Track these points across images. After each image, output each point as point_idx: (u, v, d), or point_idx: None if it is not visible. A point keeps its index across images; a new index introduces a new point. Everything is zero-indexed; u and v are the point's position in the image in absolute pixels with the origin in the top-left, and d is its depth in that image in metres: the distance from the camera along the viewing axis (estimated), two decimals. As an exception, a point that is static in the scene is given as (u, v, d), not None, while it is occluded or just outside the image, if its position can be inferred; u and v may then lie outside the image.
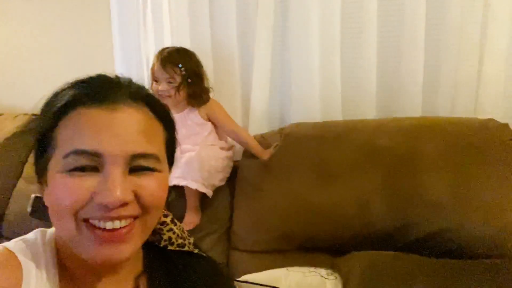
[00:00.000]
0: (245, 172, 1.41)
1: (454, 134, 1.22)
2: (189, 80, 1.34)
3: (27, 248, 0.53)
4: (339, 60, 1.45)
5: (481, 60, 1.34)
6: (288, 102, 1.56)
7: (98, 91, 0.51)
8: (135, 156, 0.50)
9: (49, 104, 0.53)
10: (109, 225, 0.49)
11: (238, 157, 1.48)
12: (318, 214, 1.25)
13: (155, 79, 1.35)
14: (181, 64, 1.32)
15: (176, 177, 1.34)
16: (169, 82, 1.33)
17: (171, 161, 0.59)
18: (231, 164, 1.46)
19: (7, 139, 1.65)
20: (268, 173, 1.35)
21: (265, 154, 1.36)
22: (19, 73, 1.93)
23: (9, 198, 1.59)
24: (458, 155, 1.18)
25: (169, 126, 0.58)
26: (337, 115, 1.48)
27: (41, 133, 0.52)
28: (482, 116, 1.29)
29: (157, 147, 0.53)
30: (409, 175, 1.19)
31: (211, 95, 1.41)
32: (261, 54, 1.51)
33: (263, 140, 1.43)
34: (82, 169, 0.48)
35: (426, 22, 1.36)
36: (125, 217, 0.49)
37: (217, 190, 1.42)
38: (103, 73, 0.56)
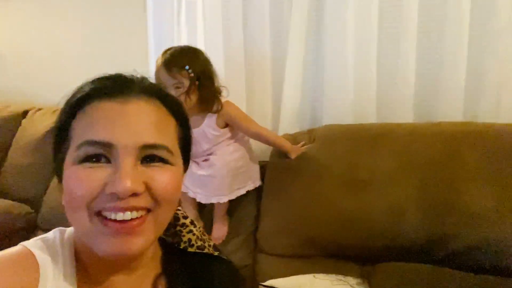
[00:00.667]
0: (273, 173, 1.38)
1: (497, 141, 1.14)
2: (197, 83, 1.21)
3: (45, 247, 0.53)
4: (375, 60, 1.40)
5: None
6: (320, 103, 1.51)
7: (112, 85, 0.53)
8: (146, 146, 0.50)
9: (69, 99, 0.54)
10: (120, 216, 0.48)
11: (265, 157, 1.46)
12: (348, 221, 1.21)
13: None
14: (188, 66, 1.19)
15: (204, 195, 1.34)
16: (177, 88, 1.19)
17: (186, 159, 0.59)
18: (253, 155, 1.42)
19: (46, 132, 1.70)
20: (297, 175, 1.32)
21: (293, 152, 1.32)
22: (58, 69, 1.98)
23: (46, 190, 1.64)
24: (501, 164, 1.11)
25: (183, 123, 0.58)
26: (371, 118, 1.42)
27: (59, 127, 0.54)
28: (529, 123, 1.20)
29: (169, 140, 0.53)
30: (448, 184, 1.13)
31: (224, 93, 1.31)
32: (294, 53, 1.47)
33: (292, 139, 1.39)
34: (93, 160, 0.49)
35: (471, 21, 1.28)
36: (136, 208, 0.49)
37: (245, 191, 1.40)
38: (120, 72, 0.57)
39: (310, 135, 1.39)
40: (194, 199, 1.40)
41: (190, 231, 0.65)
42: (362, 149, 1.27)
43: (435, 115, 1.36)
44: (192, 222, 0.67)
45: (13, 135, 1.80)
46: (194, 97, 1.22)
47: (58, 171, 0.54)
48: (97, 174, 0.48)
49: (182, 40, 1.58)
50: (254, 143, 1.58)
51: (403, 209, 1.14)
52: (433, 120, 1.34)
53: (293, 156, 1.31)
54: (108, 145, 0.49)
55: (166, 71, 1.18)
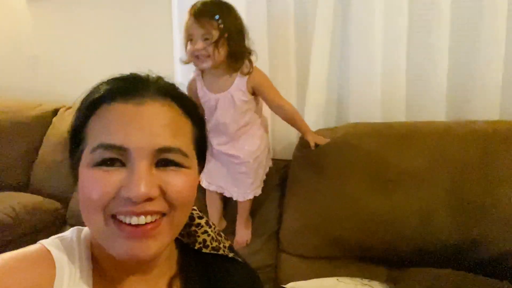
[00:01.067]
0: (297, 171, 1.35)
1: (538, 141, 1.07)
2: (226, 35, 1.15)
3: (62, 245, 0.54)
4: (405, 54, 1.33)
5: None
6: (346, 100, 1.46)
7: (127, 87, 0.53)
8: (161, 150, 0.50)
9: (84, 100, 0.54)
10: (134, 220, 0.49)
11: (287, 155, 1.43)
12: (374, 222, 1.16)
13: (189, 38, 1.18)
14: (218, 16, 1.14)
15: (241, 193, 1.33)
16: (206, 39, 1.14)
17: (202, 159, 0.59)
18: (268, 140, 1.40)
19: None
20: (322, 174, 1.28)
21: (310, 135, 1.28)
22: (87, 69, 2.03)
23: (74, 187, 1.68)
24: (542, 165, 1.03)
25: (198, 123, 0.57)
26: (400, 116, 1.36)
27: (74, 129, 0.54)
28: None
29: (184, 142, 0.53)
30: (481, 186, 1.06)
31: (253, 58, 1.25)
32: (319, 48, 1.43)
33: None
34: (109, 163, 0.49)
35: (508, 14, 1.20)
36: (151, 213, 0.49)
37: (267, 190, 1.38)
38: (135, 71, 0.57)
39: (334, 132, 1.35)
40: (220, 198, 1.39)
41: (205, 231, 0.65)
42: (390, 147, 1.22)
43: (470, 113, 1.29)
44: (207, 223, 0.66)
45: (44, 133, 1.85)
46: (223, 51, 1.16)
47: (74, 171, 0.54)
48: (112, 178, 0.48)
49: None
50: (275, 139, 1.57)
51: (433, 211, 1.09)
52: (467, 119, 1.27)
53: (309, 139, 1.27)
54: (123, 149, 0.49)
55: (196, 20, 1.14)
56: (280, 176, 1.43)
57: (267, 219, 1.39)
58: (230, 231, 1.39)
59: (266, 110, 1.38)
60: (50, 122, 1.87)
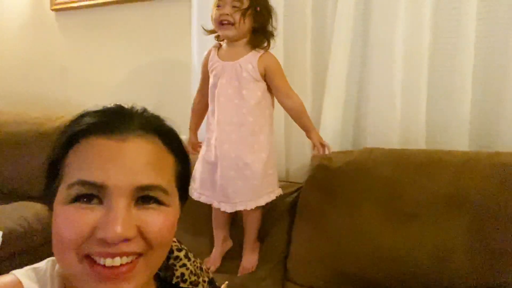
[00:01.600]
0: (307, 198, 1.30)
1: None
2: (258, 9, 1.16)
3: (36, 277, 0.53)
4: (426, 78, 1.27)
5: None
6: (363, 123, 1.41)
7: (109, 121, 0.50)
8: (141, 188, 0.48)
9: (64, 131, 0.52)
10: (108, 262, 0.46)
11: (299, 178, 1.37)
12: (386, 257, 1.10)
13: (218, 4, 1.18)
14: None
15: (229, 204, 1.23)
16: (234, 7, 1.15)
17: (184, 196, 0.56)
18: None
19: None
20: (333, 202, 1.23)
21: (316, 134, 1.24)
22: (112, 82, 2.07)
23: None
24: None
25: (182, 159, 0.55)
26: (420, 143, 1.29)
27: (52, 161, 0.52)
28: None
29: (166, 180, 0.51)
30: (505, 225, 0.98)
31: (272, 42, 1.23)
32: (335, 69, 1.38)
33: (326, 159, 1.29)
34: (85, 200, 0.47)
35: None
36: (127, 254, 0.47)
37: (276, 215, 1.33)
38: (119, 103, 0.54)
39: (349, 156, 1.29)
40: (226, 217, 1.34)
41: (184, 265, 0.63)
42: (406, 177, 1.15)
43: (494, 143, 1.20)
44: (186, 255, 0.65)
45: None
46: (248, 23, 1.17)
47: (49, 206, 0.52)
48: (88, 217, 0.46)
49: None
50: (289, 160, 1.53)
51: (450, 251, 1.01)
52: (492, 150, 1.18)
53: (314, 138, 1.23)
54: (101, 186, 0.47)
55: None
56: (292, 201, 1.37)
57: (275, 246, 1.33)
58: (237, 255, 1.35)
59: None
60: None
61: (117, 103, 0.54)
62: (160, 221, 0.49)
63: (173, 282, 0.61)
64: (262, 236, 1.35)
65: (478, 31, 1.19)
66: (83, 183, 0.47)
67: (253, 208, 1.25)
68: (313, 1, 1.43)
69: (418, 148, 1.29)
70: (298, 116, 1.25)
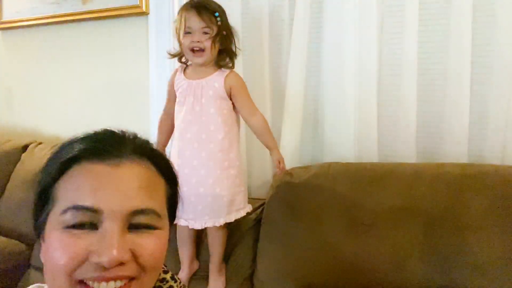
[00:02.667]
0: (271, 214, 1.33)
1: (504, 185, 1.09)
2: (224, 33, 1.21)
3: None
4: (376, 98, 1.37)
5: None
6: (320, 140, 1.48)
7: (102, 146, 0.51)
8: (135, 212, 0.49)
9: (54, 157, 0.53)
10: (103, 286, 0.47)
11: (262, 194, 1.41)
12: (349, 267, 1.15)
13: (187, 31, 1.20)
14: (218, 13, 1.19)
15: (198, 220, 1.22)
16: (205, 33, 1.19)
17: (172, 216, 0.58)
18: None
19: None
20: (296, 216, 1.27)
21: (277, 153, 1.29)
22: (57, 103, 2.00)
23: (37, 246, 1.61)
24: (508, 210, 1.05)
25: (171, 181, 0.57)
26: (372, 156, 1.38)
27: (43, 187, 0.51)
28: (538, 165, 1.15)
29: (158, 203, 0.53)
30: (452, 232, 1.07)
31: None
32: (293, 89, 1.46)
33: (288, 174, 1.35)
34: (79, 226, 0.48)
35: (472, 59, 1.25)
36: (121, 278, 0.48)
37: (240, 232, 1.35)
38: (109, 128, 0.55)
39: (308, 171, 1.35)
40: (192, 236, 1.34)
41: (171, 286, 0.64)
42: (363, 189, 1.23)
43: (439, 155, 1.32)
44: (172, 277, 0.65)
45: (12, 170, 1.79)
46: (217, 48, 1.22)
47: (38, 232, 0.52)
48: (82, 242, 0.47)
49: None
50: (251, 177, 1.56)
51: (406, 257, 1.09)
52: (436, 161, 1.30)
53: (276, 156, 1.29)
54: (96, 211, 0.47)
55: (197, 13, 1.18)
56: (255, 217, 1.40)
57: (241, 263, 1.35)
58: (205, 275, 1.34)
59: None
60: (19, 159, 1.81)
61: (107, 128, 0.55)
62: (152, 244, 0.50)
63: None
64: (227, 253, 1.35)
65: (420, 57, 1.31)
66: (77, 208, 0.47)
67: (222, 225, 1.25)
68: (269, 25, 1.49)
69: (371, 161, 1.37)
70: (262, 133, 1.29)
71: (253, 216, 1.41)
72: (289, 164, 1.45)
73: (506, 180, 1.09)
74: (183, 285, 0.67)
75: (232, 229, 1.36)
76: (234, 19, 1.39)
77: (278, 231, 1.28)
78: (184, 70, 1.31)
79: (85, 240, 0.47)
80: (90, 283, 0.47)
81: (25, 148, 1.85)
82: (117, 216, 0.47)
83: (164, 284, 0.64)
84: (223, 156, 1.24)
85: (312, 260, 1.20)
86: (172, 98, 1.32)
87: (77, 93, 1.96)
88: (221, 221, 1.24)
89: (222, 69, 1.26)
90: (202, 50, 1.20)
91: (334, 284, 1.17)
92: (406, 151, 1.34)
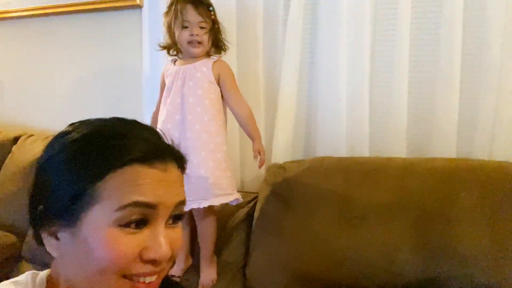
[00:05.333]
0: (264, 206, 1.35)
1: (492, 180, 1.12)
2: (217, 26, 1.27)
3: None
4: (368, 94, 1.39)
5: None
6: (313, 135, 1.50)
7: (155, 153, 0.53)
8: (179, 203, 0.54)
9: (98, 153, 0.50)
10: (148, 279, 0.51)
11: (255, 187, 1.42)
12: (340, 259, 1.17)
13: (184, 25, 1.23)
14: (211, 7, 1.25)
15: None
16: (202, 27, 1.23)
17: None
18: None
19: (36, 159, 1.67)
20: (289, 209, 1.29)
21: (259, 143, 1.28)
22: (49, 96, 1.98)
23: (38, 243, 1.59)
24: (496, 204, 1.08)
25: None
26: (363, 151, 1.41)
27: (79, 187, 0.49)
28: (524, 161, 1.19)
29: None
30: (442, 224, 1.10)
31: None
32: (287, 85, 1.47)
33: (281, 168, 1.37)
34: (134, 224, 0.50)
35: (462, 58, 1.28)
36: (163, 271, 0.53)
37: (233, 225, 1.37)
38: (154, 128, 0.58)
39: (301, 165, 1.37)
40: (186, 234, 1.35)
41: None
42: (355, 183, 1.25)
43: (428, 150, 1.35)
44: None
45: (3, 162, 1.77)
46: (211, 39, 1.27)
47: (52, 226, 0.51)
48: (136, 241, 0.49)
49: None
50: (244, 171, 1.58)
51: (397, 249, 1.11)
52: (426, 156, 1.33)
53: (256, 146, 1.27)
54: (153, 207, 0.50)
55: (194, 8, 1.22)
56: (248, 210, 1.42)
57: (233, 254, 1.36)
58: (197, 270, 1.35)
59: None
60: (10, 151, 1.79)
61: (152, 127, 0.57)
62: (180, 237, 0.55)
63: None
64: (220, 247, 1.36)
65: (411, 51, 1.34)
66: (138, 204, 0.49)
67: (209, 210, 1.25)
68: (264, 21, 1.50)
69: (362, 156, 1.40)
70: (246, 123, 1.29)
71: (246, 209, 1.43)
72: (282, 159, 1.47)
73: (494, 174, 1.12)
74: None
75: (224, 222, 1.38)
76: (229, 16, 1.40)
77: (271, 224, 1.30)
78: (175, 62, 1.34)
79: (138, 238, 0.49)
80: (141, 278, 0.50)
81: (15, 140, 1.83)
82: (167, 211, 0.52)
83: None
84: (209, 138, 1.24)
85: (304, 252, 1.22)
86: (164, 89, 1.32)
87: (69, 85, 1.94)
88: (205, 203, 1.21)
89: (211, 56, 1.29)
90: (199, 42, 1.24)
91: (326, 276, 1.19)
92: (396, 146, 1.37)
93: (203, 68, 1.25)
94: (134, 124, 0.56)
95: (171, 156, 0.55)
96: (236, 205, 1.34)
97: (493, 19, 1.24)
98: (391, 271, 1.11)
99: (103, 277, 0.49)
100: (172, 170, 0.54)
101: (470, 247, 1.05)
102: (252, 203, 1.43)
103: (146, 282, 0.50)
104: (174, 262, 0.56)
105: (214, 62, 1.27)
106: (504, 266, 1.02)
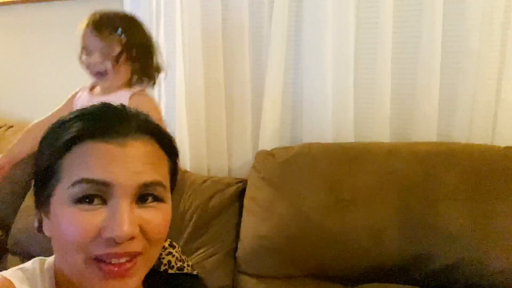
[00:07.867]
0: (253, 191, 1.38)
1: (472, 161, 1.18)
2: (134, 53, 1.05)
3: (25, 277, 0.52)
4: (352, 81, 1.43)
5: (499, 86, 1.31)
6: (299, 121, 1.53)
7: (107, 125, 0.51)
8: (144, 185, 0.50)
9: (54, 135, 0.52)
10: (115, 260, 0.48)
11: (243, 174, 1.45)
12: (329, 240, 1.22)
13: (84, 52, 1.06)
14: (121, 30, 1.03)
15: None
16: (103, 54, 1.03)
17: (172, 188, 0.59)
18: None
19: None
20: (279, 193, 1.32)
21: None
22: (29, 85, 1.93)
23: (17, 213, 1.57)
24: (476, 184, 1.14)
25: (172, 155, 0.58)
26: (349, 136, 1.45)
27: (45, 165, 0.51)
28: (501, 143, 1.25)
29: (164, 176, 0.54)
30: (425, 203, 1.16)
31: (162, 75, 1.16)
32: (273, 72, 1.49)
33: (269, 155, 1.40)
34: (89, 200, 0.48)
35: (443, 45, 1.33)
36: (130, 254, 0.49)
37: (224, 208, 1.39)
38: (109, 103, 0.55)
39: (289, 151, 1.40)
40: None
41: (170, 253, 0.70)
42: (342, 167, 1.29)
43: (411, 135, 1.40)
44: (171, 244, 0.69)
45: (-18, 153, 1.72)
46: (127, 69, 1.07)
47: (41, 209, 0.53)
48: (94, 218, 0.47)
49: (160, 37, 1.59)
50: (231, 157, 1.60)
51: (383, 229, 1.17)
52: (408, 139, 1.38)
53: None
54: (105, 184, 0.48)
55: (94, 31, 1.02)
56: (237, 195, 1.44)
57: (223, 238, 1.38)
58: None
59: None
60: (-11, 142, 1.75)
61: (106, 102, 0.55)
62: (159, 219, 0.51)
63: (161, 270, 0.64)
64: (210, 228, 1.38)
65: (394, 39, 1.38)
66: (87, 181, 0.47)
67: None
68: (249, 13, 1.51)
69: (347, 141, 1.44)
70: None
71: (235, 193, 1.43)
72: (269, 146, 1.50)
73: (473, 156, 1.19)
74: (181, 249, 0.70)
75: (213, 204, 1.40)
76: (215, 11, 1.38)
77: (262, 208, 1.33)
78: (92, 88, 1.17)
79: (96, 216, 0.47)
80: (112, 260, 0.48)
81: (-5, 131, 1.78)
82: (126, 191, 0.48)
83: (164, 251, 0.68)
84: None
85: (294, 235, 1.26)
86: (65, 111, 1.02)
87: (50, 75, 1.89)
88: None
89: (133, 87, 1.11)
90: (100, 73, 1.06)
91: (316, 258, 1.23)
92: (380, 131, 1.41)
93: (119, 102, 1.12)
94: (101, 104, 0.54)
95: (138, 131, 0.51)
96: (224, 184, 1.39)
97: (472, 9, 1.29)
98: (377, 251, 1.16)
99: (70, 256, 0.49)
100: (136, 145, 0.50)
101: (452, 225, 1.11)
102: (240, 188, 1.44)
103: (112, 262, 0.48)
104: (159, 245, 0.53)
105: (132, 94, 1.08)
106: (485, 242, 1.08)
